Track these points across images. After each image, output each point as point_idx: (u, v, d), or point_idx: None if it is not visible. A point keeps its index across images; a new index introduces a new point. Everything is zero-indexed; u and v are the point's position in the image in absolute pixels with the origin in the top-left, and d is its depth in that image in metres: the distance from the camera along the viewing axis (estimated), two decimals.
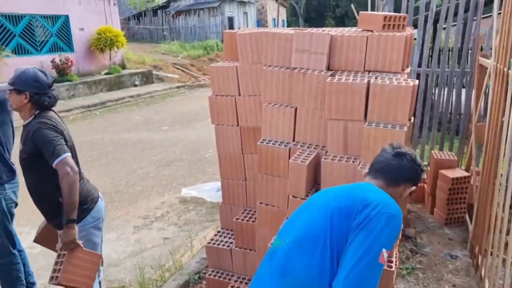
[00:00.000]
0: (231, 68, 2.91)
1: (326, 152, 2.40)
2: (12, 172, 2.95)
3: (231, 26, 25.89)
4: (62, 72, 13.33)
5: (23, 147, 2.43)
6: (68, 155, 2.31)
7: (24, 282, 3.13)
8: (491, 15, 4.64)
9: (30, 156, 2.38)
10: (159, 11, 26.83)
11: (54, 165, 2.28)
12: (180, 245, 4.09)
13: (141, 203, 5.22)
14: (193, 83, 17.36)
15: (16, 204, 3.01)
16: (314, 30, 2.56)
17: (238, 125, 3.00)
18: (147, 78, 16.30)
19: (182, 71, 19.04)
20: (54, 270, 2.29)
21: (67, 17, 14.57)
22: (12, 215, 2.97)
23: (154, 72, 17.20)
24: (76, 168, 2.32)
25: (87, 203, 2.54)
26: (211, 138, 7.71)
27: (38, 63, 13.18)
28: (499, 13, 3.55)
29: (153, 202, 5.25)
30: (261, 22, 31.05)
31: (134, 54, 18.78)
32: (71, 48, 14.75)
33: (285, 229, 1.74)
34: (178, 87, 16.12)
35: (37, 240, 2.79)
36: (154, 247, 4.11)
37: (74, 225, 2.31)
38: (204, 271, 3.47)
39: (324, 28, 2.76)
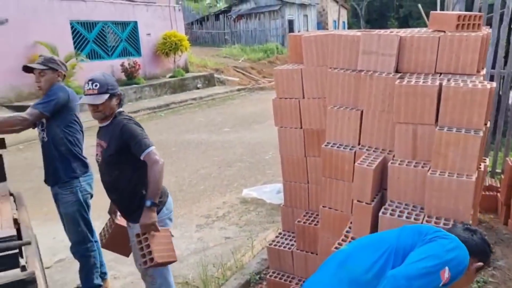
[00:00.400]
0: (296, 70, 2.92)
1: (394, 156, 2.34)
2: (85, 166, 3.17)
3: (291, 29, 25.93)
4: (130, 76, 14.06)
5: (108, 145, 2.53)
6: (154, 147, 2.46)
7: (99, 270, 3.36)
8: None
9: (116, 153, 2.50)
10: (221, 16, 27.47)
11: (142, 156, 2.41)
12: (241, 245, 4.16)
13: (203, 202, 5.37)
14: (253, 86, 17.57)
15: (91, 195, 3.23)
16: (381, 31, 2.51)
17: (301, 128, 3.01)
18: (209, 81, 16.75)
19: (243, 74, 19.34)
20: (144, 255, 2.40)
21: (135, 23, 15.35)
22: (88, 205, 3.19)
23: (215, 75, 17.64)
24: (162, 159, 2.47)
25: (162, 196, 2.68)
26: (271, 140, 7.81)
27: (109, 67, 14.02)
28: None
29: (214, 201, 5.38)
30: (321, 25, 30.79)
31: (197, 57, 19.36)
32: (138, 53, 15.51)
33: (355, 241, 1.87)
34: (238, 89, 16.40)
35: (105, 245, 2.91)
36: (216, 245, 4.22)
37: (155, 209, 2.44)
38: (264, 272, 3.51)
39: (392, 30, 2.70)
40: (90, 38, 14.00)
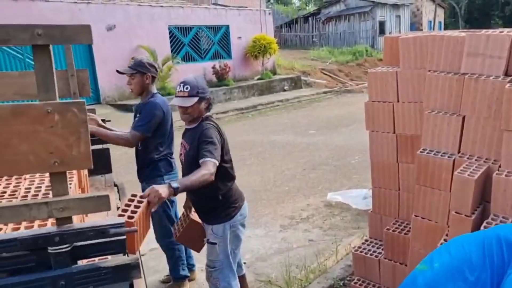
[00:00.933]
0: (391, 73, 2.82)
1: (499, 166, 2.16)
2: (170, 166, 3.33)
3: (382, 31, 25.07)
4: (221, 77, 14.62)
5: (190, 147, 2.59)
6: (217, 163, 2.41)
7: (185, 262, 3.53)
8: None
9: (197, 155, 2.50)
10: (310, 18, 27.42)
11: (201, 161, 2.38)
12: (325, 249, 4.11)
13: (287, 203, 5.41)
14: (340, 88, 17.27)
15: None
16: (489, 31, 2.33)
17: (394, 133, 2.89)
18: (295, 83, 16.81)
19: (330, 76, 19.11)
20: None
21: (227, 27, 15.94)
22: (171, 201, 3.36)
23: (302, 77, 17.64)
24: (213, 177, 2.36)
25: (238, 201, 2.73)
26: (357, 144, 7.64)
27: (202, 69, 14.71)
28: None
29: (299, 203, 5.39)
30: (415, 26, 29.30)
31: (285, 60, 19.54)
32: (229, 55, 16.08)
33: (435, 252, 1.55)
34: (325, 92, 16.24)
35: (178, 238, 2.96)
36: (299, 247, 4.22)
37: (172, 191, 2.13)
38: (348, 278, 3.43)
39: (501, 30, 2.49)
40: (186, 41, 14.82)
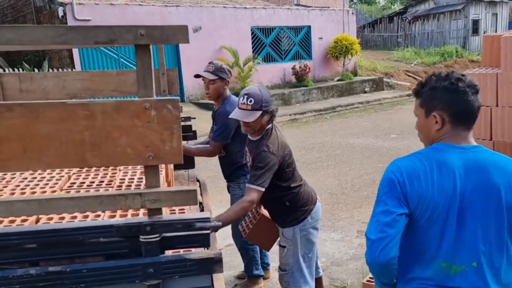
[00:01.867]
0: (490, 75, 2.61)
1: None
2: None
3: (475, 30, 23.39)
4: (300, 78, 14.59)
5: (251, 159, 2.59)
6: (262, 190, 2.41)
7: (259, 261, 3.57)
8: None
9: None
10: (395, 18, 26.37)
11: (247, 186, 2.45)
12: None
13: (365, 208, 5.24)
14: None
15: None
16: None
17: (491, 139, 2.67)
18: (377, 85, 16.27)
19: (414, 78, 18.20)
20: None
21: (309, 27, 15.87)
22: None
23: (384, 79, 17.03)
24: (254, 205, 2.46)
25: (307, 204, 2.69)
26: None
27: (282, 69, 14.82)
28: None
29: None
30: None
31: (367, 61, 19.01)
32: (309, 56, 16.00)
33: (455, 250, 1.52)
34: (408, 95, 15.47)
35: (248, 235, 2.92)
36: None
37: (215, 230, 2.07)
38: None
39: None
40: (267, 42, 15.01)
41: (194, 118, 3.57)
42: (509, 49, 2.49)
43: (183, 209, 2.02)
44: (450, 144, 1.55)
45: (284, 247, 2.69)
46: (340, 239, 4.45)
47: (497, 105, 2.60)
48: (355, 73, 16.90)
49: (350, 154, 7.87)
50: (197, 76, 3.36)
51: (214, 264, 1.46)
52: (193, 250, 1.56)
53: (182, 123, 3.39)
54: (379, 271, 1.60)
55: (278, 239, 2.81)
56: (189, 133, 3.32)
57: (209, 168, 7.19)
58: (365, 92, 15.76)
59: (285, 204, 2.62)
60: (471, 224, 1.49)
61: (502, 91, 2.55)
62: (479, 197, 1.49)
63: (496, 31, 23.17)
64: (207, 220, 1.46)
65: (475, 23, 23.93)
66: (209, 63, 3.34)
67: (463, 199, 1.49)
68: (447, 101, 1.53)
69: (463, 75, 1.55)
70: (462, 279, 1.51)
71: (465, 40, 23.45)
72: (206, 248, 1.64)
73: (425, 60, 20.64)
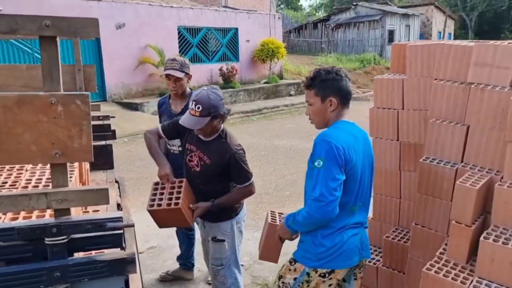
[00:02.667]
0: (397, 80, 2.81)
1: (502, 178, 2.14)
2: None
3: (391, 40, 25.06)
4: (227, 80, 14.65)
5: (211, 162, 2.57)
6: (253, 178, 2.64)
7: (193, 256, 3.59)
8: None
9: (218, 171, 2.58)
10: (319, 24, 27.46)
11: (243, 185, 2.59)
12: None
13: (288, 207, 5.39)
14: None
15: None
16: (498, 42, 2.32)
17: (398, 140, 2.88)
18: (302, 88, 16.80)
19: None
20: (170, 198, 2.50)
21: (236, 29, 15.99)
22: None
23: None
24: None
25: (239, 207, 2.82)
26: None
27: (209, 70, 14.77)
28: None
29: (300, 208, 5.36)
30: (424, 36, 29.26)
31: (292, 65, 19.57)
32: (237, 58, 16.12)
33: (356, 197, 2.11)
34: None
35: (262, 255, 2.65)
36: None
37: (209, 209, 2.60)
38: None
39: (510, 41, 2.48)
40: (194, 42, 14.88)
41: (113, 117, 3.43)
42: (413, 57, 2.71)
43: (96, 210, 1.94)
44: (347, 121, 2.13)
45: (223, 240, 2.72)
46: None
47: (403, 108, 2.80)
48: (281, 76, 17.34)
49: (275, 155, 8.05)
50: (167, 76, 3.24)
51: (127, 264, 1.42)
52: (105, 251, 1.51)
53: (100, 122, 3.26)
54: (321, 223, 2.02)
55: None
56: (107, 132, 3.19)
57: (132, 170, 6.97)
58: (291, 95, 16.23)
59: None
60: (365, 177, 2.13)
61: (407, 95, 2.77)
62: (366, 157, 2.12)
63: (409, 41, 25.02)
64: (119, 219, 1.42)
65: (391, 33, 25.68)
66: (172, 60, 3.28)
67: (363, 160, 2.09)
68: (337, 88, 2.06)
69: (340, 69, 2.11)
70: (358, 215, 2.14)
71: (382, 49, 25.06)
72: (121, 249, 1.59)
73: (346, 66, 21.69)
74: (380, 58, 23.69)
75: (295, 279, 2.19)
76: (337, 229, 2.07)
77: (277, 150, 8.43)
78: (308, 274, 2.13)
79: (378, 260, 3.03)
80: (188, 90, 3.41)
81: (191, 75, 3.35)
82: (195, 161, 2.66)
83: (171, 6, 14.07)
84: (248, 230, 4.68)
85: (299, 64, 20.36)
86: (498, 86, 2.20)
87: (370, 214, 3.21)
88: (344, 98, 2.09)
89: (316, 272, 2.11)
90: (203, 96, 2.45)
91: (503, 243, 1.93)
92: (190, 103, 2.46)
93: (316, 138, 2.04)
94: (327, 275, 2.10)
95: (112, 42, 12.33)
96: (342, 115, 2.12)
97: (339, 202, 1.97)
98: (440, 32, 30.32)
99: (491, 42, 2.34)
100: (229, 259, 2.76)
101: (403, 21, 26.50)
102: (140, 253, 4.15)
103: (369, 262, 3.03)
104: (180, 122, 2.53)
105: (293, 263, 2.21)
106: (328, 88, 2.06)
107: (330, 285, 2.13)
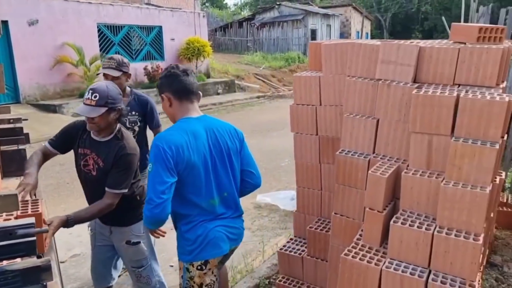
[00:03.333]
0: (314, 78, 2.95)
1: (408, 166, 2.34)
2: None
3: (313, 39, 26.00)
4: (153, 79, 14.30)
5: (104, 164, 2.44)
6: (123, 191, 2.41)
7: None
8: None
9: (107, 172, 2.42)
10: (244, 23, 27.73)
11: (108, 189, 2.37)
12: (252, 249, 4.18)
13: None
14: (273, 93, 17.63)
15: None
16: (401, 41, 2.52)
17: (317, 135, 3.03)
18: (229, 87, 16.90)
19: (263, 81, 19.44)
20: None
21: (160, 27, 15.64)
22: None
23: (236, 81, 17.79)
24: (114, 206, 2.41)
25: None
26: (287, 147, 7.80)
27: (133, 70, 14.21)
28: None
29: None
30: (344, 35, 30.77)
31: (219, 63, 19.57)
32: (162, 57, 15.79)
33: (210, 191, 2.20)
34: (258, 97, 16.49)
35: None
36: None
37: (64, 225, 2.20)
38: (274, 277, 3.52)
39: (412, 40, 2.70)
40: (116, 41, 14.33)
41: (26, 119, 3.23)
42: (327, 55, 2.86)
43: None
44: (190, 117, 2.17)
45: (139, 242, 2.65)
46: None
47: (320, 104, 2.95)
48: (208, 75, 17.28)
49: None
50: (105, 75, 3.14)
51: (41, 273, 1.37)
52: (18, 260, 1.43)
53: (11, 125, 3.05)
54: (156, 223, 2.11)
55: None
56: (20, 136, 2.99)
57: (51, 176, 6.58)
58: (218, 93, 16.24)
59: (137, 199, 2.62)
60: (220, 169, 2.20)
61: (323, 91, 2.92)
62: (217, 150, 2.18)
63: (330, 39, 26.13)
64: (31, 226, 1.35)
65: (314, 32, 26.65)
66: (109, 58, 3.23)
67: (212, 153, 2.16)
68: (168, 84, 2.15)
69: (177, 66, 2.21)
70: (221, 207, 2.25)
71: (305, 47, 25.92)
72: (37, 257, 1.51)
73: (272, 64, 22.19)
74: (304, 56, 24.51)
75: (182, 277, 2.28)
76: (198, 222, 2.18)
77: None
78: (187, 269, 2.23)
79: (303, 251, 3.16)
80: (128, 88, 3.39)
81: (130, 74, 3.31)
82: (91, 165, 2.48)
83: (89, 2, 13.41)
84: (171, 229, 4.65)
85: (226, 63, 20.42)
86: (402, 82, 2.39)
87: (295, 207, 3.34)
88: (179, 93, 2.15)
89: (193, 266, 2.21)
90: (101, 85, 2.39)
91: (409, 225, 2.11)
92: (87, 93, 2.35)
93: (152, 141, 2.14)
94: (204, 267, 2.21)
95: (25, 40, 11.50)
96: (188, 110, 2.18)
97: (192, 200, 2.14)
98: (358, 32, 32.06)
99: (396, 41, 2.53)
100: (148, 258, 2.72)
101: (324, 21, 27.62)
102: (62, 262, 3.95)
103: (295, 253, 3.15)
104: (76, 110, 2.44)
105: (179, 262, 2.31)
106: (162, 85, 2.19)
107: (213, 275, 2.27)
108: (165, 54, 15.85)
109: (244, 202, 5.38)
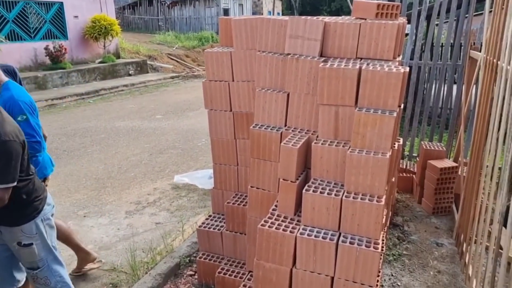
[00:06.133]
0: (226, 53, 2.94)
1: (317, 136, 2.45)
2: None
3: None
4: (56, 60, 13.27)
5: None
6: (11, 185, 2.13)
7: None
8: (482, 13, 4.70)
9: None
10: (154, 1, 26.67)
11: None
12: (172, 230, 4.13)
13: (133, 189, 5.25)
14: (187, 73, 17.32)
15: None
16: (308, 17, 2.60)
17: (231, 111, 3.04)
18: (141, 67, 16.25)
19: (177, 61, 18.99)
20: None
21: (61, 4, 14.45)
22: None
23: (148, 62, 17.16)
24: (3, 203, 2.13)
25: (42, 191, 2.45)
26: (204, 127, 7.78)
27: (32, 49, 13.15)
28: (490, 11, 3.61)
29: (145, 188, 5.28)
30: (256, 15, 31.01)
31: (129, 43, 18.70)
32: (65, 36, 14.65)
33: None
34: (172, 77, 16.09)
35: None
36: (146, 231, 4.15)
37: None
38: (195, 255, 3.52)
39: (318, 16, 2.80)
40: (10, 17, 12.98)
41: None
42: (238, 31, 2.86)
43: None
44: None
45: (31, 244, 2.38)
46: (108, 223, 4.34)
47: (233, 80, 2.95)
48: (117, 56, 16.42)
49: (116, 137, 7.68)
50: None
51: None
52: None
53: None
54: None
55: None
56: None
57: None
58: (130, 74, 15.56)
59: (22, 197, 2.29)
60: None
61: (235, 67, 2.92)
62: None
63: None
64: None
65: (226, 11, 26.48)
66: None
67: None
68: None
69: None
70: None
71: (218, 27, 25.71)
72: None
73: (186, 44, 21.71)
74: (218, 36, 24.28)
75: None
76: None
77: (118, 132, 8.05)
78: None
79: (222, 226, 3.20)
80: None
81: None
82: None
83: None
84: (91, 218, 4.46)
85: (137, 43, 19.57)
86: (309, 56, 2.47)
87: (212, 185, 3.35)
88: None
89: None
90: None
91: (320, 192, 2.23)
92: None
93: None
94: None
95: None
96: None
97: None
98: (270, 12, 32.47)
99: (303, 17, 2.60)
100: (45, 260, 2.45)
101: (236, 0, 27.56)
102: None
103: (214, 229, 3.18)
104: None
105: None
106: None
107: None
108: (68, 33, 14.70)
109: (162, 184, 5.34)
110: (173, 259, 3.45)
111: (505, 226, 2.34)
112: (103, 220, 4.41)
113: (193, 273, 3.35)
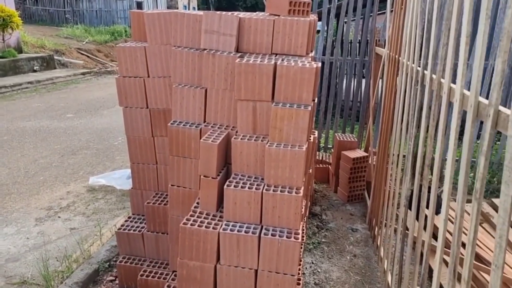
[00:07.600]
0: (140, 48, 2.83)
1: (236, 132, 2.46)
2: None
3: None
4: None
5: None
6: None
7: None
8: (385, 12, 5.06)
9: None
10: None
11: None
12: (89, 235, 3.91)
13: (43, 194, 4.88)
14: (100, 69, 16.45)
15: None
16: (223, 12, 2.59)
17: (147, 108, 2.94)
18: (47, 63, 15.12)
19: (88, 56, 17.97)
20: None
21: None
22: None
23: (56, 57, 16.01)
24: None
25: None
26: (120, 125, 7.46)
27: None
28: (392, 10, 3.89)
29: (57, 192, 4.93)
30: (171, 9, 30.33)
31: (33, 37, 17.29)
32: None
33: None
34: (83, 73, 15.18)
35: None
36: (60, 238, 3.88)
37: None
38: (114, 259, 3.38)
39: (233, 12, 2.80)
40: None
41: None
42: (151, 25, 2.77)
43: None
44: None
45: None
46: (15, 232, 3.99)
47: (148, 76, 2.86)
48: (19, 50, 15.11)
49: (22, 139, 7.08)
50: None
51: None
52: None
53: None
54: None
55: None
56: None
57: None
58: (35, 71, 14.40)
59: None
60: None
61: (150, 63, 2.83)
62: None
63: None
64: None
65: (139, 5, 25.56)
66: None
67: None
68: None
69: None
70: None
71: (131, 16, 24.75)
72: None
73: (97, 38, 20.59)
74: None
75: None
76: None
77: (23, 133, 7.42)
78: None
79: (143, 227, 3.10)
80: None
81: None
82: None
83: None
84: None
85: (41, 36, 18.15)
86: (225, 52, 2.47)
87: (131, 185, 3.23)
88: None
89: None
90: None
91: (241, 187, 2.25)
92: None
93: None
94: None
95: None
96: None
97: None
98: (185, 6, 31.96)
99: (218, 12, 2.59)
100: None
101: None
102: None
103: (134, 230, 3.06)
104: None
105: None
106: None
107: None
108: None
109: (76, 186, 5.03)
110: (91, 265, 3.27)
111: (410, 209, 2.55)
112: (9, 229, 4.04)
113: (114, 278, 3.21)
